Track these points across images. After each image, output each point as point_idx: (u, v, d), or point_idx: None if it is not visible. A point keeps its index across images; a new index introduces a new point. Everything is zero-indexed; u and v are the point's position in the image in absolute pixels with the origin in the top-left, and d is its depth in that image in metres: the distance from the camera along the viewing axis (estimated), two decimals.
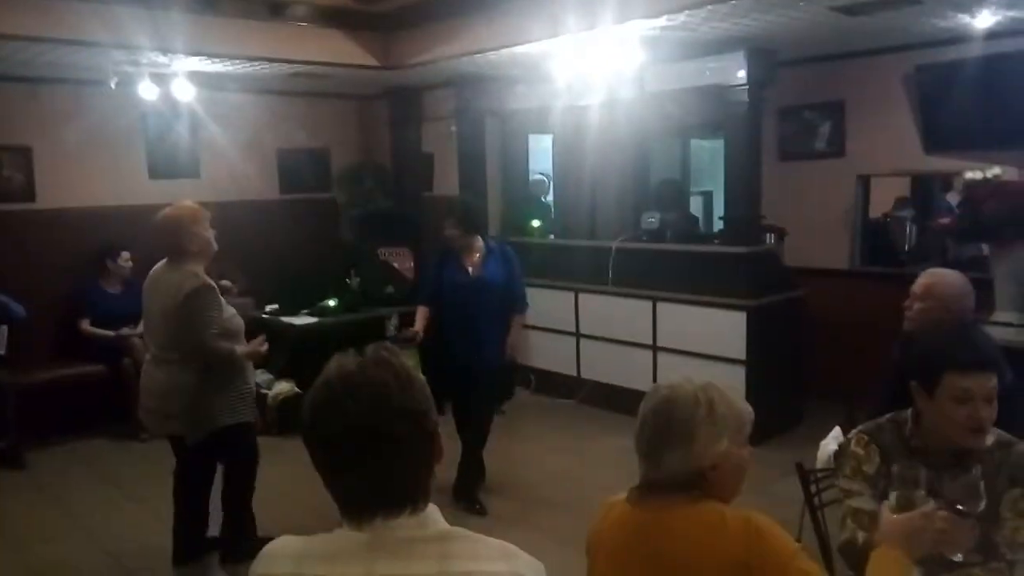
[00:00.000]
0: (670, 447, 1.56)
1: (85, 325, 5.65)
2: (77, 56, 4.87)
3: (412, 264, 6.35)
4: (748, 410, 1.63)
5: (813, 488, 2.35)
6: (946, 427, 1.92)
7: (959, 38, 4.71)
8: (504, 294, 4.23)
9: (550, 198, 7.73)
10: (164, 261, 3.48)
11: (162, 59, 5.03)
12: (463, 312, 4.14)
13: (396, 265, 6.37)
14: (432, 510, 1.21)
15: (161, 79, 5.47)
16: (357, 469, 1.15)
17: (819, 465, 2.60)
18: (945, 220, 4.72)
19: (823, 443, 2.76)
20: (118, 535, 4.09)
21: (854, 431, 2.11)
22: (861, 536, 1.89)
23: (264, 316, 5.87)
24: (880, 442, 2.03)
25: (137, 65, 5.19)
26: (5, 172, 5.67)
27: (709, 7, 3.94)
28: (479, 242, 4.24)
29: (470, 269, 4.17)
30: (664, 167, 7.54)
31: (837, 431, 2.78)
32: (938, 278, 2.72)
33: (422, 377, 1.22)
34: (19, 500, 4.57)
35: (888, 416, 2.09)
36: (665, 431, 1.58)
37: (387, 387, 1.16)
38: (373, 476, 1.16)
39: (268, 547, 1.25)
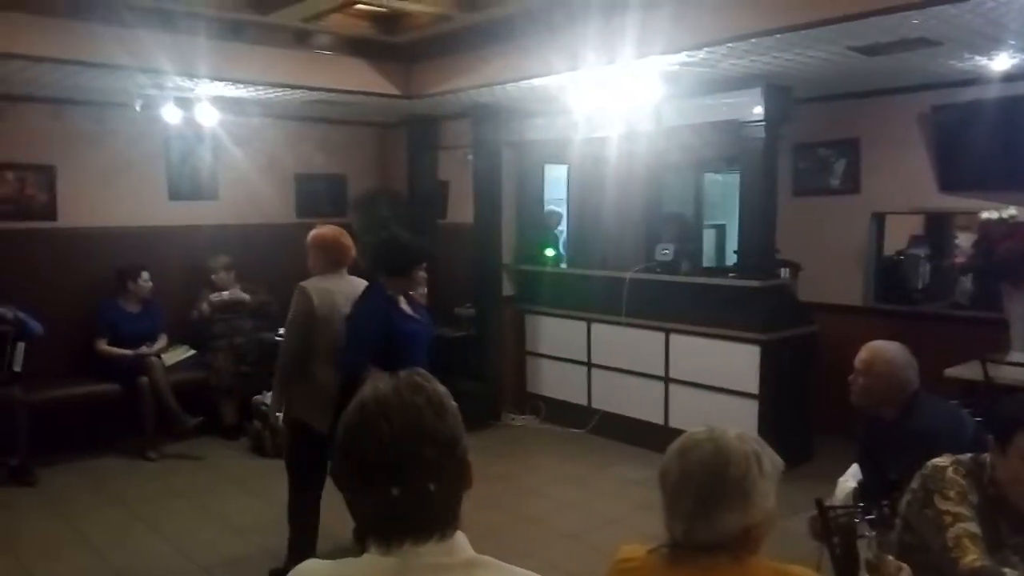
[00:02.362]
0: (726, 507, 1.45)
1: (102, 345, 5.68)
2: (103, 79, 4.95)
3: (425, 290, 6.36)
4: (782, 462, 1.55)
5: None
6: (1012, 486, 1.93)
7: (975, 80, 4.75)
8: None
9: (562, 229, 7.77)
10: (328, 274, 3.71)
11: (187, 83, 5.11)
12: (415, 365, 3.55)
13: (411, 292, 6.39)
14: (460, 537, 1.20)
15: (185, 103, 5.56)
16: (388, 493, 1.15)
17: (837, 502, 2.59)
18: (961, 259, 4.73)
19: (841, 480, 2.75)
20: (126, 554, 4.10)
21: (947, 459, 2.07)
22: (1014, 574, 1.81)
23: (278, 339, 5.89)
24: (975, 479, 2.02)
25: (162, 89, 5.28)
26: (28, 191, 5.74)
27: (729, 44, 3.99)
28: None
29: (409, 312, 3.57)
30: (678, 200, 7.58)
31: (855, 468, 2.77)
32: (876, 353, 2.67)
33: (455, 403, 1.23)
34: (29, 517, 4.58)
35: (970, 456, 2.08)
36: (717, 489, 1.46)
37: (421, 412, 1.17)
38: (403, 501, 1.15)
39: (296, 570, 1.26)
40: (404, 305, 3.54)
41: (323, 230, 3.86)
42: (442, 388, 1.23)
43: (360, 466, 1.16)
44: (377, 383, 1.21)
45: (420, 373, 1.25)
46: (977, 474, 2.03)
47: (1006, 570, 1.82)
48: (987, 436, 2.04)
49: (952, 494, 1.99)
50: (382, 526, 1.18)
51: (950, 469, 2.04)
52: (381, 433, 1.14)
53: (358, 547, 1.19)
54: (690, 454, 1.51)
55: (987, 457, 2.05)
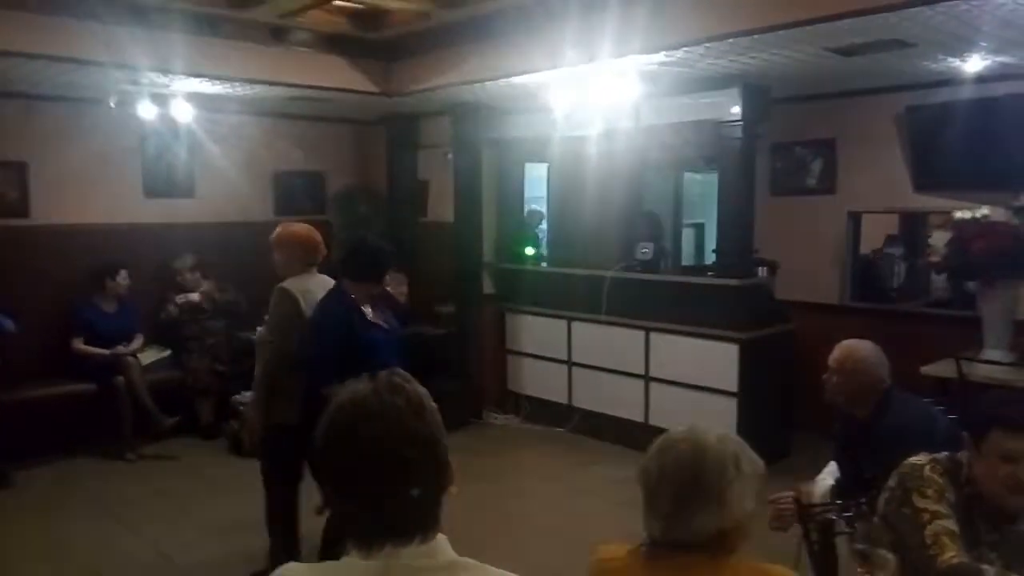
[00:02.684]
0: (700, 507, 1.47)
1: (78, 344, 5.60)
2: (76, 74, 4.88)
3: (406, 289, 6.36)
4: (763, 464, 1.57)
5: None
6: (988, 483, 1.95)
7: (949, 81, 4.81)
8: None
9: (542, 227, 7.78)
10: (304, 274, 3.64)
11: (162, 79, 5.06)
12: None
13: (390, 289, 6.36)
14: (441, 539, 1.20)
15: (160, 99, 5.49)
16: (368, 495, 1.15)
17: (815, 499, 2.61)
18: (935, 258, 4.79)
19: (819, 478, 2.77)
20: (106, 557, 4.04)
21: (924, 458, 2.09)
22: (987, 568, 1.83)
23: (254, 337, 5.85)
24: (952, 478, 2.04)
25: (137, 85, 5.21)
26: None
27: (707, 44, 4.01)
28: None
29: (375, 319, 3.47)
30: (657, 199, 7.62)
31: (833, 466, 2.79)
32: (848, 352, 2.70)
33: (434, 404, 1.23)
34: (6, 519, 4.51)
35: (946, 454, 2.10)
36: (694, 489, 1.48)
37: (401, 413, 1.16)
38: (384, 503, 1.15)
39: (276, 573, 1.25)
40: (369, 310, 3.45)
41: (296, 227, 3.75)
42: (421, 388, 1.23)
43: (340, 469, 1.16)
44: (356, 385, 1.21)
45: (399, 373, 1.25)
46: (954, 472, 2.05)
47: (984, 567, 1.84)
48: (962, 434, 2.07)
49: (930, 492, 2.01)
50: (363, 529, 1.17)
51: (927, 467, 2.06)
52: (360, 436, 1.14)
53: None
54: (668, 453, 1.53)
55: (963, 455, 2.07)
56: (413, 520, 1.17)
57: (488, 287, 6.63)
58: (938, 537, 1.92)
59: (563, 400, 6.20)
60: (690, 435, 1.54)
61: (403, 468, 1.15)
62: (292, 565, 1.26)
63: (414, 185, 7.07)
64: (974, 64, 4.45)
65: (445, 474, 1.21)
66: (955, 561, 1.86)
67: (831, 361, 2.73)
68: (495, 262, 6.66)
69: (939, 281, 6.14)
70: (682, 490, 1.48)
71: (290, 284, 3.59)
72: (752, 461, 1.53)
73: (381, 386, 1.19)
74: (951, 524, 1.94)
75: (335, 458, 1.16)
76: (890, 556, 1.76)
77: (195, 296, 6.06)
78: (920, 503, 2.00)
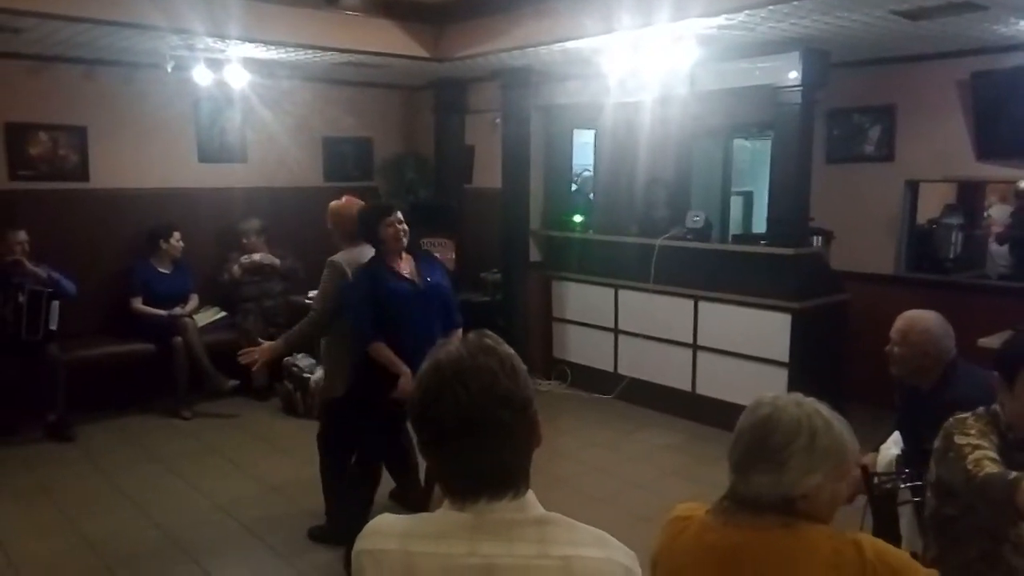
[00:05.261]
0: (760, 469, 1.51)
1: (137, 304, 5.77)
2: (134, 40, 4.95)
3: (454, 255, 6.41)
4: (853, 445, 1.55)
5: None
6: (1020, 421, 1.94)
7: (1019, 46, 4.65)
8: (448, 305, 3.68)
9: (589, 194, 7.73)
10: (351, 247, 3.72)
11: (218, 45, 5.10)
12: (413, 330, 3.43)
13: (438, 255, 6.40)
14: (531, 495, 1.24)
15: (215, 64, 5.55)
16: (464, 454, 1.18)
17: (879, 468, 2.60)
18: (997, 228, 4.68)
19: (883, 447, 2.75)
20: (167, 510, 4.19)
21: (969, 414, 2.09)
22: (1013, 473, 1.84)
23: (307, 301, 5.94)
24: (994, 426, 2.04)
25: (192, 50, 5.27)
26: (60, 151, 5.78)
27: (769, 7, 3.92)
28: None
29: (407, 274, 3.55)
30: (706, 166, 7.51)
31: (897, 436, 2.77)
32: (912, 323, 2.64)
33: (524, 366, 1.25)
34: (69, 472, 4.69)
35: (983, 408, 2.10)
36: (758, 451, 1.52)
37: (495, 375, 1.18)
38: (479, 461, 1.18)
39: (372, 524, 1.29)
40: (404, 267, 3.55)
41: (336, 203, 3.92)
42: (511, 350, 1.24)
43: (438, 429, 1.18)
44: (449, 346, 1.23)
45: (488, 335, 1.26)
46: (995, 423, 2.06)
47: (1013, 472, 1.83)
48: (993, 374, 2.05)
49: (972, 432, 2.02)
50: (458, 483, 1.21)
51: (971, 418, 2.08)
52: (457, 397, 1.16)
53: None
54: (749, 415, 1.58)
55: (998, 405, 2.06)
56: (506, 477, 1.20)
57: (535, 254, 6.63)
58: (979, 461, 1.92)
59: (608, 368, 6.21)
60: (775, 403, 1.55)
61: (498, 429, 1.17)
62: (386, 516, 1.30)
63: (461, 151, 7.07)
64: None
65: (535, 433, 1.23)
66: (992, 470, 1.87)
67: (894, 332, 2.69)
68: (541, 229, 6.65)
69: (997, 252, 6.00)
70: (751, 447, 1.53)
71: (340, 256, 3.72)
72: (836, 441, 1.51)
73: (474, 348, 1.21)
74: (992, 453, 1.94)
75: (433, 418, 1.19)
76: None
77: (259, 257, 6.18)
78: (962, 440, 2.01)
